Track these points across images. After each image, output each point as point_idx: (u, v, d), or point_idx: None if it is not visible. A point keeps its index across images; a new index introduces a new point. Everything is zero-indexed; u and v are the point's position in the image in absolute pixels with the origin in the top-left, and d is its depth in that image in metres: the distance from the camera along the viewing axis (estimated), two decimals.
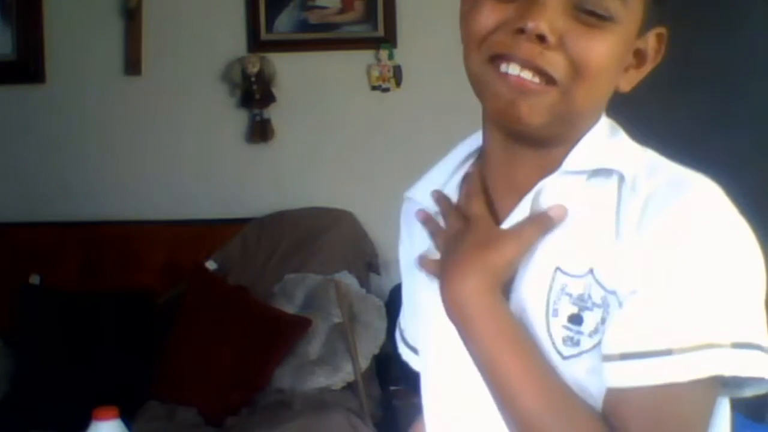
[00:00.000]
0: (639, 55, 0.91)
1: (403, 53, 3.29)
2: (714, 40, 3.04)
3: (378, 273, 3.26)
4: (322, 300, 2.96)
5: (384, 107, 3.33)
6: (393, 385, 2.94)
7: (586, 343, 0.85)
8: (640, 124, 1.02)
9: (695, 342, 0.80)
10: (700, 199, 0.84)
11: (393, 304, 3.09)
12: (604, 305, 0.85)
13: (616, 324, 0.83)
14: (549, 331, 0.87)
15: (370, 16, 3.30)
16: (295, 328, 2.86)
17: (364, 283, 3.15)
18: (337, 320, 2.91)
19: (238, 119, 3.33)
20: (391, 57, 3.29)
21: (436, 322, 0.94)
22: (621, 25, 0.85)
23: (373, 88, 3.31)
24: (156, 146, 3.35)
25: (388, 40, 3.29)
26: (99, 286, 3.12)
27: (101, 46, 3.32)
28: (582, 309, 0.86)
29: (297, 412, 2.62)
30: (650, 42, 0.91)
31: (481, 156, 0.99)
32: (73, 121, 3.34)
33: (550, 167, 0.90)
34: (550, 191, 0.90)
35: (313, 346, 2.87)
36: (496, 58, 0.86)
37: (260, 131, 3.30)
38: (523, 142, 0.91)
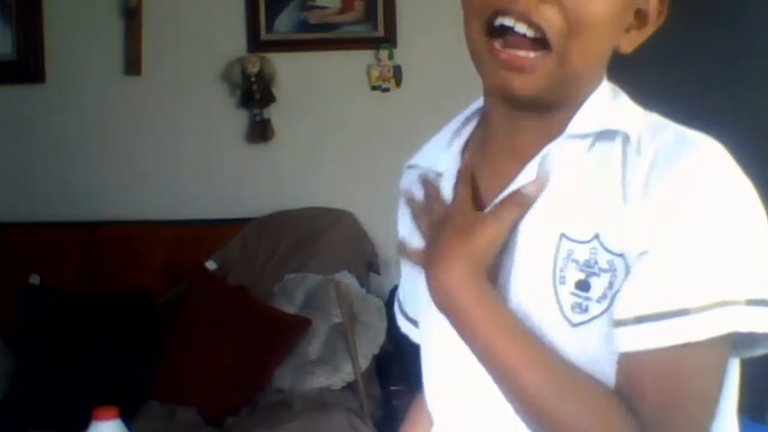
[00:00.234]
0: (640, 16, 0.91)
1: (403, 53, 3.29)
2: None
3: (378, 273, 3.26)
4: (322, 300, 2.96)
5: (384, 107, 3.33)
6: (393, 385, 2.94)
7: (595, 309, 0.85)
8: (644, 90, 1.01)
9: (711, 300, 0.79)
10: (706, 158, 0.83)
11: (393, 304, 3.09)
12: (611, 270, 0.84)
13: (629, 288, 0.83)
14: (557, 299, 0.86)
15: (370, 16, 3.30)
16: (295, 328, 2.86)
17: (364, 283, 3.15)
18: (337, 320, 2.91)
19: (238, 119, 3.33)
20: (391, 57, 3.29)
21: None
22: None
23: (373, 88, 3.31)
24: (156, 146, 3.35)
25: (388, 40, 3.29)
26: (99, 286, 3.12)
27: (101, 46, 3.32)
28: (589, 275, 0.85)
29: (297, 412, 2.62)
30: (652, 2, 0.91)
31: (482, 122, 0.99)
32: (73, 121, 3.34)
33: (553, 132, 0.90)
34: (555, 156, 0.90)
35: (313, 346, 2.87)
36: (493, 15, 0.86)
37: (260, 131, 3.30)
38: (523, 109, 0.91)
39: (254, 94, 3.25)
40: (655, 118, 0.90)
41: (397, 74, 3.30)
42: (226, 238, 3.22)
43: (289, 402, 2.69)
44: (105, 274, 3.17)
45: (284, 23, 3.31)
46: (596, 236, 0.86)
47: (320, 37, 3.30)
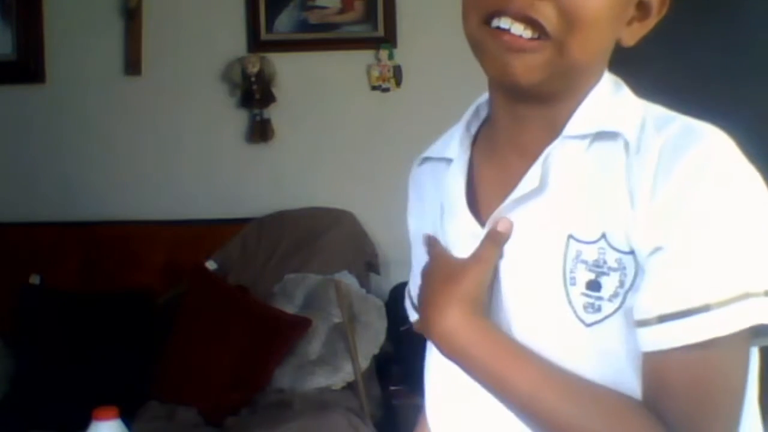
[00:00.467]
0: (642, 8, 0.90)
1: (403, 53, 3.30)
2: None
3: (378, 273, 3.26)
4: (322, 300, 2.96)
5: (384, 107, 3.33)
6: (393, 385, 2.94)
7: (608, 307, 0.85)
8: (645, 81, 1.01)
9: (731, 294, 0.79)
10: (714, 150, 0.83)
11: (393, 304, 3.09)
12: (621, 268, 0.84)
13: (648, 287, 0.82)
14: (569, 301, 0.87)
15: (370, 16, 3.30)
16: (295, 328, 2.86)
17: (364, 283, 3.15)
18: (337, 320, 2.91)
19: (238, 119, 3.33)
20: (391, 57, 3.29)
21: None
22: None
23: (373, 88, 3.32)
24: (156, 146, 3.35)
25: (388, 40, 3.29)
26: (99, 286, 3.12)
27: (101, 46, 3.32)
28: (599, 275, 0.85)
29: (297, 412, 2.62)
30: None
31: (488, 121, 1.00)
32: (73, 121, 3.34)
33: (555, 125, 0.90)
34: (556, 157, 0.90)
35: (313, 346, 2.87)
36: (490, 16, 0.86)
37: (260, 131, 3.30)
38: (525, 102, 0.91)
39: (254, 94, 3.25)
40: (659, 111, 0.90)
41: (397, 74, 3.30)
42: (226, 238, 3.22)
43: (289, 402, 2.69)
44: (105, 274, 3.16)
45: (284, 23, 3.31)
46: (603, 236, 0.86)
47: (320, 37, 3.30)
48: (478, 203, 0.97)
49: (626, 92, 0.93)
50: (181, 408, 2.73)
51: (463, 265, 0.92)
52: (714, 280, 0.80)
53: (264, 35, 3.30)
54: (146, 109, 3.34)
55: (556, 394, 0.85)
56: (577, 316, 0.86)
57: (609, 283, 0.85)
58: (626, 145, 0.87)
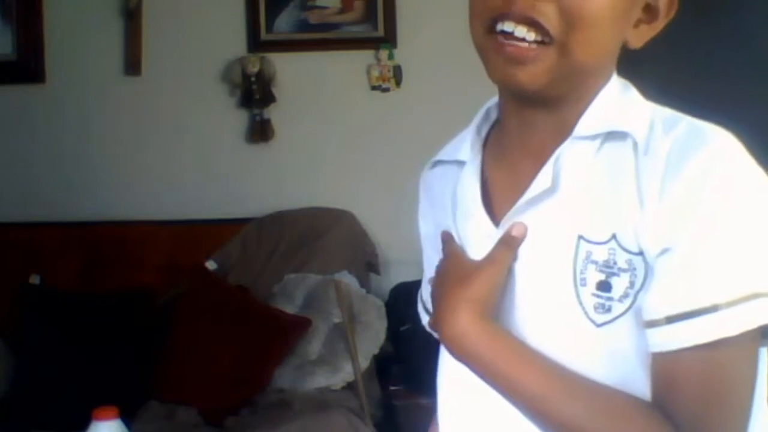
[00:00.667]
0: (649, 10, 0.90)
1: (403, 53, 3.30)
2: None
3: (378, 273, 3.26)
4: (322, 300, 2.96)
5: (384, 107, 3.33)
6: (393, 385, 2.94)
7: (618, 308, 0.85)
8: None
9: (740, 294, 0.80)
10: (722, 151, 0.83)
11: (393, 304, 3.10)
12: (631, 269, 0.85)
13: (657, 287, 0.83)
14: (580, 301, 0.87)
15: (370, 16, 3.30)
16: (295, 328, 2.86)
17: (364, 283, 3.15)
18: (337, 320, 2.91)
19: (238, 119, 3.33)
20: (391, 57, 3.29)
21: None
22: None
23: (373, 88, 3.32)
24: (156, 146, 3.35)
25: (388, 40, 3.29)
26: (99, 286, 3.12)
27: (101, 46, 3.32)
28: (609, 275, 0.86)
29: (297, 412, 2.62)
30: None
31: (497, 123, 1.00)
32: (74, 121, 3.34)
33: (564, 128, 0.91)
34: (566, 158, 0.90)
35: (313, 346, 2.87)
36: (493, 21, 0.86)
37: (260, 131, 3.30)
38: (532, 106, 0.91)
39: (254, 94, 3.25)
40: (667, 112, 0.90)
41: (397, 74, 3.30)
42: (226, 238, 3.22)
43: (289, 402, 2.69)
44: (105, 274, 3.16)
45: (284, 23, 3.31)
46: (613, 236, 0.86)
47: (320, 37, 3.30)
48: (491, 205, 0.98)
49: (635, 94, 0.94)
50: (181, 408, 2.73)
51: (476, 267, 0.92)
52: (722, 280, 0.80)
53: (264, 35, 3.30)
54: (146, 109, 3.34)
55: (564, 395, 0.86)
56: (588, 317, 0.87)
57: (619, 284, 0.85)
58: (635, 145, 0.87)
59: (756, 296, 0.80)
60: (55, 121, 3.35)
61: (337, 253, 3.16)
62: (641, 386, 0.85)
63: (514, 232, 0.91)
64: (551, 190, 0.90)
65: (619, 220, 0.86)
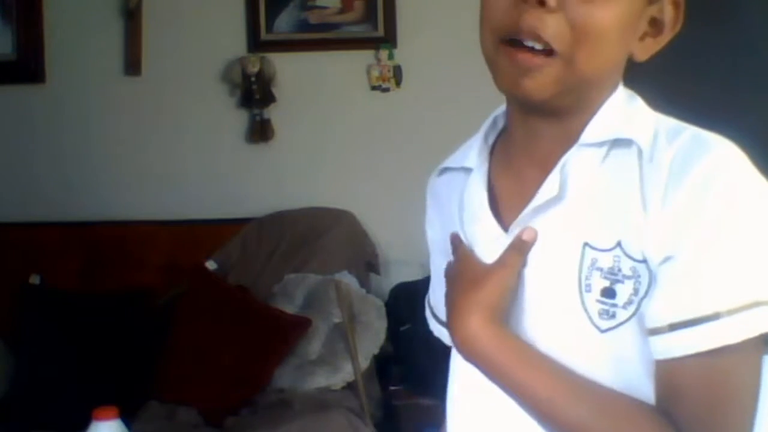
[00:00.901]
0: (655, 24, 0.91)
1: (403, 53, 3.30)
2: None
3: (378, 273, 3.26)
4: (322, 300, 2.96)
5: (384, 107, 3.33)
6: (393, 385, 2.94)
7: (622, 314, 0.87)
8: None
9: (741, 303, 0.81)
10: (724, 160, 0.84)
11: (393, 304, 3.10)
12: (635, 276, 0.86)
13: (659, 295, 0.84)
14: (584, 307, 0.88)
15: (370, 16, 3.30)
16: (295, 328, 2.86)
17: (364, 283, 3.15)
18: (337, 320, 2.91)
19: (238, 119, 3.33)
20: (391, 57, 3.29)
21: None
22: None
23: (373, 88, 3.32)
24: (156, 146, 3.35)
25: (388, 40, 3.29)
26: (99, 286, 3.12)
27: (101, 46, 3.32)
28: (614, 282, 0.87)
29: (297, 412, 2.62)
30: (666, 10, 0.91)
31: (504, 132, 1.01)
32: (74, 121, 3.34)
33: (570, 138, 0.92)
34: (572, 165, 0.91)
35: (313, 346, 2.87)
36: (503, 38, 0.88)
37: (260, 131, 3.30)
38: (538, 115, 0.93)
39: (254, 94, 3.25)
40: (672, 122, 0.91)
41: (397, 74, 3.30)
42: (226, 238, 3.22)
43: (289, 402, 2.69)
44: (105, 274, 3.16)
45: (284, 23, 3.31)
46: (618, 244, 0.87)
47: (320, 37, 3.30)
48: (498, 211, 0.99)
49: (640, 104, 0.95)
50: (181, 408, 2.73)
51: (487, 270, 0.94)
52: (723, 288, 0.81)
53: (264, 35, 3.30)
54: (146, 109, 3.34)
55: (571, 398, 0.87)
56: (593, 322, 0.88)
57: (623, 291, 0.87)
58: (640, 153, 0.88)
59: (757, 304, 0.81)
60: (55, 121, 3.35)
61: (337, 253, 3.16)
62: (646, 391, 0.86)
63: (525, 237, 0.92)
64: (558, 197, 0.91)
65: (625, 228, 0.87)
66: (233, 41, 3.30)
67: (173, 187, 3.33)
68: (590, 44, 0.86)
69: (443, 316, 1.13)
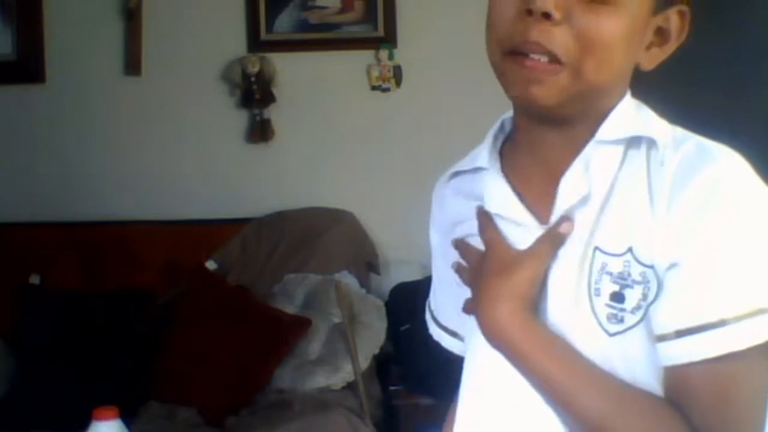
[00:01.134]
0: (661, 33, 0.92)
1: (403, 53, 3.29)
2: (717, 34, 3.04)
3: (378, 273, 3.26)
4: (322, 300, 2.96)
5: (384, 107, 3.33)
6: (393, 385, 2.94)
7: (630, 319, 0.87)
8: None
9: (747, 310, 0.82)
10: (728, 169, 0.85)
11: (393, 304, 3.10)
12: (644, 281, 0.87)
13: (666, 302, 0.85)
14: (593, 310, 0.89)
15: (370, 16, 3.30)
16: (295, 328, 2.86)
17: (364, 283, 3.16)
18: (337, 320, 2.91)
19: (238, 119, 3.33)
20: (391, 57, 3.29)
21: None
22: (627, 0, 0.86)
23: (373, 88, 3.31)
24: (156, 146, 3.35)
25: (388, 40, 3.29)
26: (99, 286, 3.12)
27: (101, 46, 3.32)
28: (623, 287, 0.88)
29: (297, 412, 2.62)
30: (672, 20, 0.92)
31: (510, 139, 1.02)
32: (73, 121, 3.34)
33: (575, 147, 0.92)
34: (595, 165, 0.91)
35: (313, 346, 2.87)
36: (510, 50, 0.88)
37: (260, 131, 3.30)
38: (546, 123, 0.93)
39: (254, 94, 3.25)
40: (678, 130, 0.92)
41: (397, 74, 3.30)
42: (226, 238, 3.22)
43: (289, 402, 2.69)
44: (105, 274, 3.16)
45: (284, 23, 3.31)
46: (629, 249, 0.88)
47: (320, 37, 3.30)
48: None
49: (650, 111, 0.95)
50: (181, 408, 2.73)
51: (519, 258, 0.93)
52: (729, 296, 0.82)
53: (264, 35, 3.30)
54: (146, 109, 3.34)
55: (594, 393, 0.87)
56: (601, 326, 0.89)
57: (632, 296, 0.87)
58: (651, 151, 0.89)
59: (762, 311, 0.82)
60: (55, 121, 3.35)
61: (337, 253, 3.16)
62: (661, 397, 0.87)
63: (563, 229, 0.91)
64: (587, 198, 0.91)
65: (636, 233, 0.87)
66: (233, 41, 3.30)
67: (173, 187, 3.33)
68: (597, 54, 0.86)
69: (445, 321, 1.13)
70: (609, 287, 0.88)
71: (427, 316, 1.17)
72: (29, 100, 3.35)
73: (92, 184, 3.33)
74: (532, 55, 0.86)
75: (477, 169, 1.02)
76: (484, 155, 1.01)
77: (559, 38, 0.85)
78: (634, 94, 0.97)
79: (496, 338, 0.92)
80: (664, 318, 0.85)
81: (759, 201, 0.85)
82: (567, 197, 0.91)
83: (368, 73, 3.31)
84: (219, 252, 3.19)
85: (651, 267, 0.86)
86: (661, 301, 0.85)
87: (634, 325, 0.87)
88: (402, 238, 3.23)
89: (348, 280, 3.07)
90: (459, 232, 1.04)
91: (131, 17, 3.28)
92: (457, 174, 1.07)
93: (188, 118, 3.34)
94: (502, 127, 1.04)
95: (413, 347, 2.81)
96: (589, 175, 0.91)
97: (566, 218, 0.91)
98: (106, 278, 3.15)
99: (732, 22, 3.10)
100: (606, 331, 0.88)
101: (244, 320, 2.88)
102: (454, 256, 1.03)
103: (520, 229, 0.95)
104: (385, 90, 3.31)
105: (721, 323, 0.82)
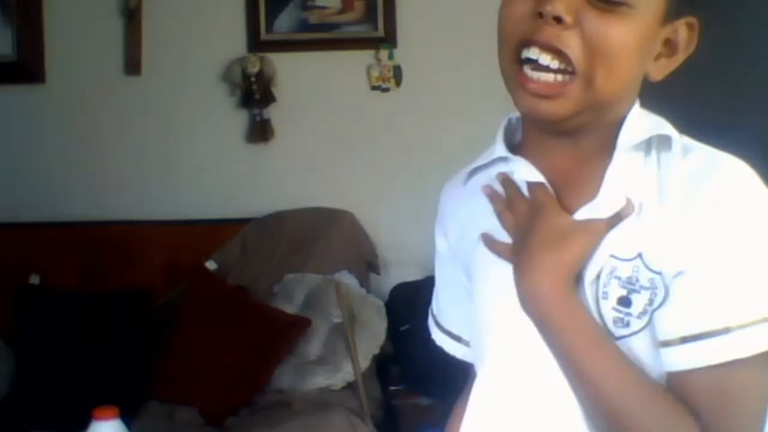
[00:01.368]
0: (669, 45, 0.92)
1: (403, 53, 3.29)
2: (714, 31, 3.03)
3: (378, 273, 3.26)
4: (322, 300, 2.96)
5: (384, 107, 3.33)
6: (393, 385, 2.94)
7: (636, 324, 0.88)
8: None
9: (752, 318, 0.83)
10: (736, 178, 0.86)
11: (393, 304, 3.10)
12: (652, 287, 0.87)
13: (671, 308, 0.86)
14: (600, 313, 0.89)
15: (370, 16, 3.30)
16: (295, 328, 2.86)
17: (364, 283, 3.16)
18: (337, 320, 2.91)
19: (238, 119, 3.33)
20: (391, 57, 3.29)
21: (507, 299, 0.94)
22: (637, 10, 0.86)
23: (373, 88, 3.32)
24: (156, 146, 3.35)
25: (388, 40, 3.29)
26: (99, 286, 3.12)
27: (101, 46, 3.32)
28: (630, 291, 0.88)
29: (297, 412, 2.62)
30: (680, 31, 0.92)
31: (518, 146, 1.01)
32: (73, 121, 3.34)
33: (583, 157, 0.93)
34: (622, 174, 0.91)
35: (313, 346, 2.87)
36: (520, 46, 0.88)
37: (260, 131, 3.29)
38: (554, 133, 0.93)
39: (254, 94, 3.25)
40: (686, 139, 0.92)
41: (397, 74, 3.30)
42: (226, 238, 3.22)
43: (289, 402, 2.69)
44: (105, 274, 3.17)
45: (284, 23, 3.31)
46: (639, 255, 0.88)
47: (320, 37, 3.30)
48: None
49: (659, 117, 0.95)
50: (181, 408, 2.73)
51: (571, 229, 0.91)
52: (734, 303, 0.83)
53: (264, 35, 3.30)
54: (146, 109, 3.34)
55: (624, 383, 0.87)
56: (607, 329, 0.89)
57: (639, 301, 0.88)
58: (659, 160, 0.90)
59: (767, 320, 0.83)
60: (56, 121, 3.35)
61: (337, 253, 3.16)
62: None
63: (623, 211, 0.90)
64: (624, 212, 0.90)
65: (646, 239, 0.88)
66: (233, 41, 3.30)
67: (173, 187, 3.33)
68: (607, 62, 0.86)
69: (448, 325, 1.13)
70: (617, 291, 0.89)
71: (430, 321, 1.17)
72: (29, 100, 3.35)
73: (92, 184, 3.33)
74: (541, 61, 0.86)
75: (499, 160, 1.00)
76: (501, 147, 1.01)
77: (569, 42, 0.86)
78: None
79: (532, 308, 0.91)
80: (670, 324, 0.85)
81: (764, 210, 0.85)
82: (611, 206, 0.90)
83: (368, 73, 3.31)
84: (219, 252, 3.19)
85: (659, 273, 0.87)
86: (667, 308, 0.86)
87: (640, 331, 0.88)
88: (402, 238, 3.23)
89: (348, 280, 3.07)
90: (481, 229, 1.01)
91: (131, 17, 3.28)
92: (474, 173, 1.05)
93: (188, 118, 3.34)
94: (509, 123, 1.03)
95: (413, 347, 2.81)
96: (618, 185, 0.91)
97: (630, 202, 0.90)
98: (106, 278, 3.15)
99: (732, 15, 3.10)
100: (612, 334, 0.89)
101: (244, 320, 2.88)
102: (466, 251, 1.02)
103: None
104: (385, 90, 3.31)
105: (726, 330, 0.83)
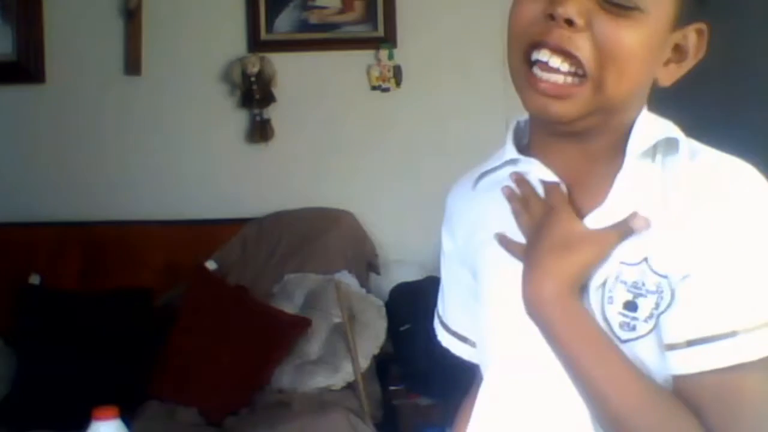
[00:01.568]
0: (679, 50, 0.93)
1: (403, 53, 3.30)
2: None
3: (378, 273, 3.26)
4: (322, 300, 2.96)
5: (384, 107, 3.33)
6: (393, 385, 2.94)
7: (642, 328, 0.88)
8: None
9: (758, 321, 0.83)
10: (743, 181, 0.86)
11: (393, 304, 3.10)
12: (658, 291, 0.87)
13: (678, 312, 0.85)
14: (605, 317, 0.89)
15: (370, 16, 3.30)
16: (295, 328, 2.86)
17: (364, 283, 3.16)
18: (337, 320, 2.91)
19: (238, 119, 3.33)
20: (391, 57, 3.29)
21: (514, 301, 0.93)
22: (648, 15, 0.86)
23: (373, 88, 3.32)
24: (156, 146, 3.35)
25: (388, 40, 3.29)
26: (99, 286, 3.12)
27: (101, 46, 3.32)
28: (636, 296, 0.88)
29: (297, 412, 2.62)
30: (690, 37, 0.92)
31: (526, 148, 1.01)
32: (73, 121, 3.34)
33: (590, 160, 0.93)
34: (633, 182, 0.90)
35: (313, 346, 2.87)
36: (530, 47, 0.88)
37: (260, 131, 3.30)
38: (562, 136, 0.93)
39: (254, 94, 3.25)
40: (693, 142, 0.92)
41: (397, 74, 3.30)
42: (226, 238, 3.22)
43: (289, 402, 2.69)
44: (105, 274, 3.16)
45: (284, 23, 3.31)
46: (645, 259, 0.88)
47: (320, 37, 3.30)
48: None
49: (666, 120, 0.95)
50: (181, 408, 2.73)
51: (582, 237, 0.90)
52: (741, 307, 0.83)
53: (264, 35, 3.30)
54: (146, 109, 3.34)
55: (628, 386, 0.87)
56: (614, 332, 0.89)
57: (645, 305, 0.88)
58: (664, 164, 0.90)
59: None
60: (55, 121, 3.35)
61: (337, 253, 3.16)
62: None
63: (636, 224, 0.89)
64: (631, 219, 0.90)
65: (652, 243, 0.88)
66: (233, 41, 3.30)
67: (173, 187, 3.33)
68: (618, 66, 0.86)
69: (455, 326, 1.12)
70: (623, 296, 0.89)
71: (436, 322, 1.16)
72: (29, 100, 3.35)
73: (92, 184, 3.33)
74: (551, 60, 0.86)
75: (509, 162, 1.00)
76: (511, 149, 1.00)
77: (580, 45, 0.86)
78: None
79: (535, 313, 0.91)
80: (676, 327, 0.85)
81: None
82: (619, 213, 0.90)
83: (368, 73, 3.31)
84: (219, 252, 3.19)
85: (665, 277, 0.87)
86: (674, 311, 0.86)
87: (646, 334, 0.87)
88: (402, 238, 3.23)
89: (348, 280, 3.07)
90: (490, 231, 1.01)
91: (131, 17, 3.28)
92: (483, 175, 1.04)
93: (188, 118, 3.34)
94: (517, 125, 1.03)
95: (413, 347, 2.82)
96: (628, 192, 0.91)
97: (642, 217, 0.89)
98: (106, 278, 3.15)
99: (729, 14, 3.10)
100: (618, 338, 0.88)
101: (244, 320, 2.88)
102: (474, 253, 1.02)
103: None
104: (385, 90, 3.31)
105: (733, 334, 0.83)
